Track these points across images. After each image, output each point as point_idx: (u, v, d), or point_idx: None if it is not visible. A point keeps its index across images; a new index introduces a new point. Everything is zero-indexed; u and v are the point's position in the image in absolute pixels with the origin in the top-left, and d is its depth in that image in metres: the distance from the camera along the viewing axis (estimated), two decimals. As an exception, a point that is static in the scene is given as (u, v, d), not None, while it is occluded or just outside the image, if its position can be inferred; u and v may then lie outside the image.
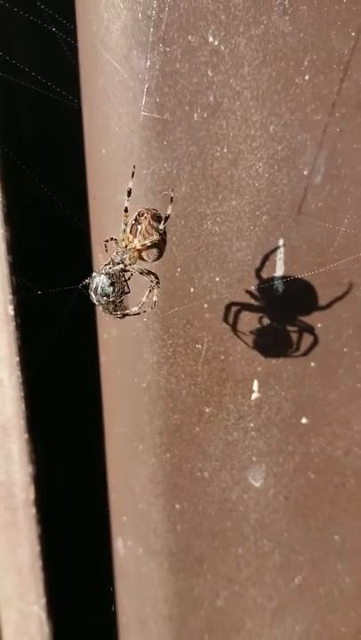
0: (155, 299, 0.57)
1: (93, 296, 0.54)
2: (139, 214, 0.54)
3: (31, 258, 0.69)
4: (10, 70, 0.61)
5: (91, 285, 0.54)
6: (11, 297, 0.66)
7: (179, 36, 0.53)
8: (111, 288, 0.53)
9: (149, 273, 0.57)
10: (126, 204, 0.54)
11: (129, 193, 0.53)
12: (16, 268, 0.65)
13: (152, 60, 0.53)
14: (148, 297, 0.57)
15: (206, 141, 0.55)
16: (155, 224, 0.53)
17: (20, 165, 0.62)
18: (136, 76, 0.54)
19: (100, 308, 0.55)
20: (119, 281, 0.54)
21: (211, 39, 0.53)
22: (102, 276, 0.54)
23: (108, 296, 0.53)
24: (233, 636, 0.75)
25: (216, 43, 0.53)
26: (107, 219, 0.63)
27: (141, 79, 0.54)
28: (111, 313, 0.55)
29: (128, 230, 0.54)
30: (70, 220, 0.61)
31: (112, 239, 0.56)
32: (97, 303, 0.55)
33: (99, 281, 0.54)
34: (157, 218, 0.54)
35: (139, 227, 0.53)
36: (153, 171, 0.57)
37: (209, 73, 0.53)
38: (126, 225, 0.54)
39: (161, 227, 0.53)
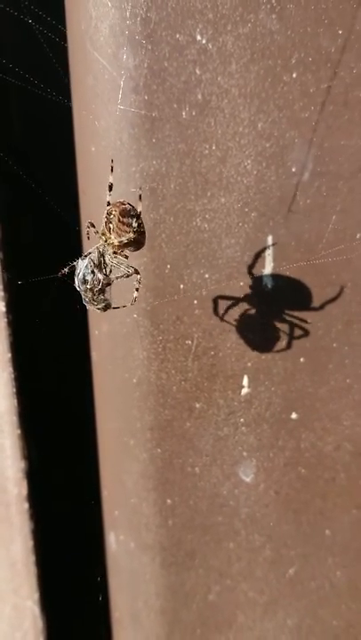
0: (135, 295, 0.57)
1: (75, 280, 0.54)
2: (107, 213, 0.53)
3: (22, 254, 0.70)
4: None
5: (75, 270, 0.54)
6: (2, 294, 0.66)
7: (167, 34, 0.53)
8: (91, 275, 0.53)
9: (129, 275, 0.56)
10: (108, 198, 0.54)
11: (110, 187, 0.53)
12: (7, 265, 0.66)
13: (140, 58, 0.53)
14: (137, 291, 0.57)
15: (195, 139, 0.56)
16: (126, 220, 0.53)
17: (11, 164, 0.63)
18: (124, 74, 0.55)
19: (82, 297, 0.55)
20: (99, 271, 0.54)
21: (199, 37, 0.53)
22: (85, 261, 0.54)
23: (86, 283, 0.53)
24: (225, 630, 0.75)
25: (204, 41, 0.53)
26: (96, 214, 0.63)
27: (130, 77, 0.54)
28: (90, 302, 0.55)
29: (103, 226, 0.54)
30: (61, 216, 0.62)
31: (92, 225, 0.55)
32: (78, 289, 0.54)
33: (81, 265, 0.54)
34: (127, 212, 0.53)
35: (110, 225, 0.53)
36: (142, 168, 0.57)
37: (197, 71, 0.54)
38: (105, 219, 0.54)
39: (134, 224, 0.53)
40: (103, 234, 0.54)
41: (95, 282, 0.54)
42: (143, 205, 0.57)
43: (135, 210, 0.54)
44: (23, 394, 0.72)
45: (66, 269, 0.55)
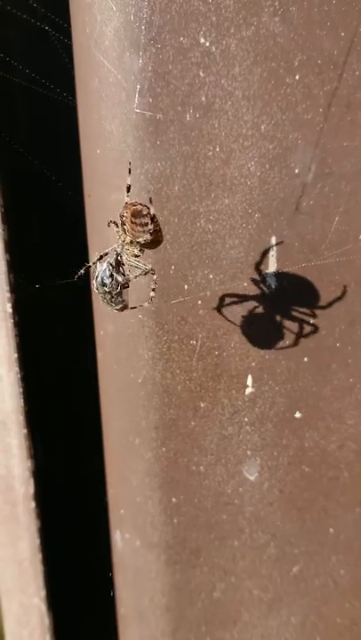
0: (152, 294, 0.58)
1: (93, 283, 0.55)
2: (120, 216, 0.54)
3: (29, 256, 0.70)
4: (7, 71, 0.62)
5: (93, 273, 0.55)
6: (9, 295, 0.67)
7: (171, 37, 0.53)
8: (109, 279, 0.54)
9: (146, 273, 0.57)
10: (126, 199, 0.54)
11: (128, 189, 0.54)
12: (14, 266, 0.66)
13: (145, 61, 0.54)
14: (154, 292, 0.58)
15: (199, 141, 0.56)
16: (139, 220, 0.53)
17: (18, 166, 0.63)
18: (129, 77, 0.55)
19: (99, 299, 0.56)
20: (118, 273, 0.55)
21: (202, 40, 0.53)
22: (103, 265, 0.55)
23: (105, 286, 0.54)
24: (230, 627, 0.76)
25: (207, 44, 0.53)
26: (101, 217, 0.64)
27: (134, 80, 0.55)
28: (109, 304, 0.56)
29: (120, 227, 0.55)
30: (67, 218, 0.62)
31: (114, 224, 0.56)
32: (96, 291, 0.55)
33: (100, 269, 0.55)
34: (139, 213, 0.54)
35: (125, 227, 0.54)
36: (147, 170, 0.57)
37: (201, 74, 0.54)
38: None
39: (150, 225, 0.54)
40: (120, 236, 0.55)
41: (114, 284, 0.54)
42: (155, 208, 0.57)
43: (148, 209, 0.54)
44: (30, 394, 0.73)
45: (82, 271, 0.56)
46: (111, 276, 0.55)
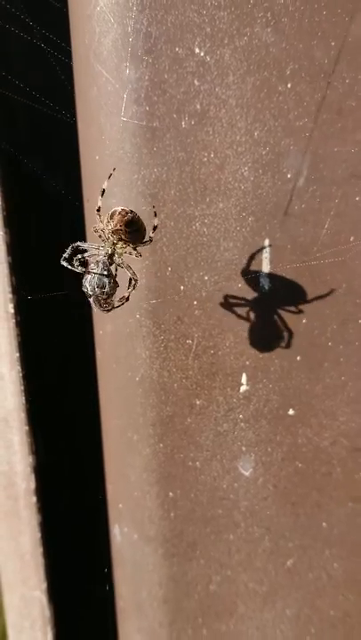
0: (130, 291, 0.60)
1: (86, 290, 0.57)
2: (116, 231, 0.56)
3: (30, 258, 0.72)
4: (7, 81, 0.63)
5: (84, 282, 0.57)
6: (10, 296, 0.68)
7: (167, 47, 0.55)
8: (99, 290, 0.57)
9: (132, 278, 0.60)
10: (99, 203, 0.56)
11: (102, 193, 0.56)
12: (15, 268, 0.68)
13: (142, 70, 0.56)
14: (129, 291, 0.60)
15: (194, 147, 0.58)
16: (132, 227, 0.56)
17: (19, 170, 0.65)
18: (126, 86, 0.57)
19: (91, 300, 0.58)
20: (108, 280, 0.57)
21: (197, 50, 0.55)
22: (94, 276, 0.57)
23: (95, 294, 0.57)
24: (226, 619, 0.77)
25: (202, 54, 0.55)
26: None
27: (132, 89, 0.57)
28: (101, 305, 0.58)
29: (106, 234, 0.57)
30: (66, 221, 0.64)
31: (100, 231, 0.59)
32: (91, 294, 0.58)
33: (90, 280, 0.57)
34: (131, 221, 0.56)
35: (118, 235, 0.56)
36: (143, 175, 0.59)
37: (196, 82, 0.56)
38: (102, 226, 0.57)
39: (147, 237, 0.56)
40: (110, 239, 0.57)
41: (104, 294, 0.57)
42: (159, 218, 0.60)
43: (133, 212, 0.56)
44: (31, 391, 0.74)
45: (66, 253, 0.57)
46: (108, 276, 0.57)
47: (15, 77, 0.61)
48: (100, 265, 0.57)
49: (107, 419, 0.77)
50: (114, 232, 0.56)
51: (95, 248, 0.59)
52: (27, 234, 0.71)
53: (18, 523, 0.80)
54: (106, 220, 0.57)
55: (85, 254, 0.58)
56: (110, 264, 0.58)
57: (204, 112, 0.57)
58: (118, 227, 0.55)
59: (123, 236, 0.56)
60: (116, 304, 0.59)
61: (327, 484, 0.70)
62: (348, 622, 0.75)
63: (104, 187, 0.56)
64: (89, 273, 0.57)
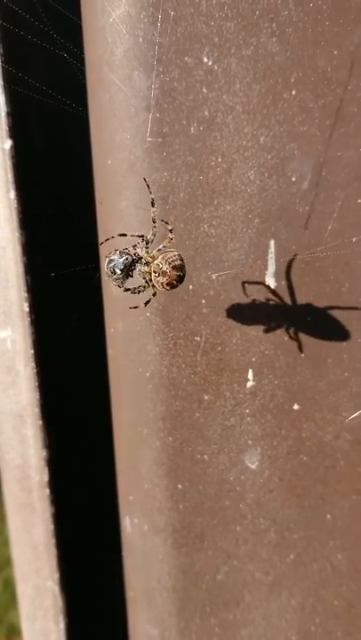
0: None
1: (105, 268, 0.60)
2: (161, 273, 0.60)
3: (45, 258, 0.74)
4: (24, 85, 0.66)
5: (109, 258, 0.60)
6: (26, 295, 0.70)
7: (176, 57, 0.57)
8: (115, 275, 0.60)
9: (140, 291, 0.63)
10: (152, 214, 0.59)
11: (152, 203, 0.59)
12: (30, 268, 0.70)
13: (152, 79, 0.58)
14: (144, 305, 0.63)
15: (202, 152, 0.60)
16: (174, 272, 0.59)
17: (34, 173, 0.67)
18: (138, 94, 0.59)
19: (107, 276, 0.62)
20: (123, 274, 0.60)
21: (205, 60, 0.57)
22: (121, 256, 0.60)
23: (114, 273, 0.60)
24: (233, 608, 0.78)
25: (210, 63, 0.57)
26: (111, 222, 0.67)
27: (143, 97, 0.59)
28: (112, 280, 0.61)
29: (153, 250, 0.60)
30: (79, 224, 0.66)
31: (142, 239, 0.61)
32: (109, 273, 0.61)
33: (116, 259, 0.60)
34: (179, 267, 0.60)
35: (160, 270, 0.60)
36: (154, 179, 0.61)
37: (204, 90, 0.58)
38: (153, 238, 0.60)
39: (180, 274, 0.60)
40: (148, 256, 0.60)
41: (123, 278, 0.60)
42: (161, 215, 0.62)
43: (183, 262, 0.60)
44: (45, 387, 0.75)
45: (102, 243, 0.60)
46: (122, 269, 0.60)
47: (31, 77, 0.64)
48: (122, 261, 0.60)
49: (118, 413, 0.79)
50: (168, 284, 0.60)
51: (135, 240, 0.61)
52: (42, 235, 0.73)
53: (31, 515, 0.82)
54: (156, 274, 0.60)
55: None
56: (133, 268, 0.61)
57: (212, 118, 0.59)
58: (173, 282, 0.60)
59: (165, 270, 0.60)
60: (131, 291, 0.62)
61: (331, 477, 0.71)
62: (352, 612, 0.76)
63: (152, 197, 0.59)
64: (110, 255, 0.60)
